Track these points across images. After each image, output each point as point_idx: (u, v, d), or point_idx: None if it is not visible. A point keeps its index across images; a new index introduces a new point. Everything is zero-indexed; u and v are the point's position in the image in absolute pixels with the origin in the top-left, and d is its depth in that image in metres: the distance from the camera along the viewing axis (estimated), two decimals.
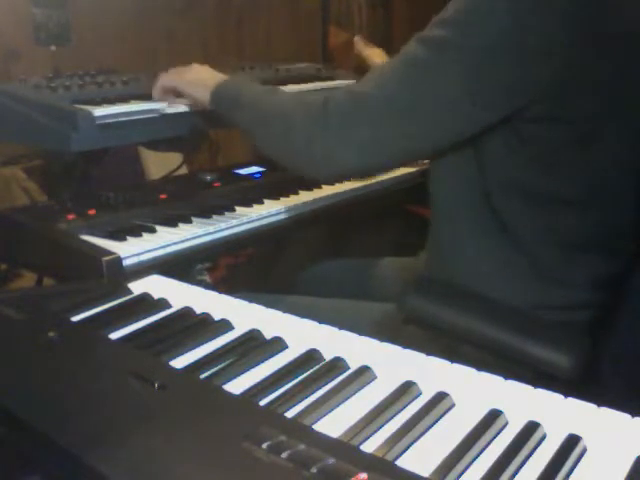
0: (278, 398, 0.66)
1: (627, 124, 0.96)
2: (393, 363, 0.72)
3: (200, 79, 1.22)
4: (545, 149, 0.94)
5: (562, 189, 0.96)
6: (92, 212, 1.18)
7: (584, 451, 0.59)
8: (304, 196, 1.37)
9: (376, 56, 1.56)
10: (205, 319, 0.84)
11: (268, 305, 0.85)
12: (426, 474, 0.55)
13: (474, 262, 1.02)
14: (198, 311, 0.86)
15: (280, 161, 1.08)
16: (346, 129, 0.94)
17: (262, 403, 0.65)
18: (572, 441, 0.59)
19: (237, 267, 1.98)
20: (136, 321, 0.84)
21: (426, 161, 1.71)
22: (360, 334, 0.77)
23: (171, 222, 1.19)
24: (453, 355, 0.73)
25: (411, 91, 0.92)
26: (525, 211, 0.97)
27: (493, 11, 0.88)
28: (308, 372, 0.71)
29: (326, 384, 0.69)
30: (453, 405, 0.66)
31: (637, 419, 0.61)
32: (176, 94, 1.28)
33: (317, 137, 0.96)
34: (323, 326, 0.80)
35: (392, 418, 0.63)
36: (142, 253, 1.07)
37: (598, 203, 0.98)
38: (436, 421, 0.63)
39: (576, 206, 0.97)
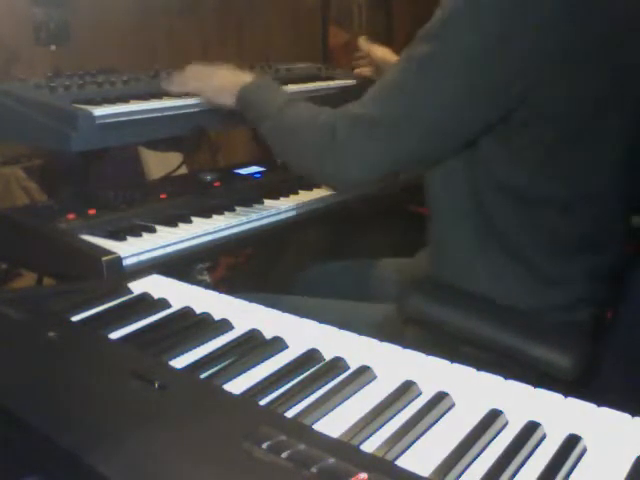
0: (278, 398, 0.66)
1: (612, 123, 0.97)
2: (393, 363, 0.71)
3: (224, 86, 1.25)
4: (532, 151, 0.95)
5: (549, 190, 0.97)
6: (92, 212, 1.18)
7: (584, 451, 0.59)
8: (304, 196, 1.37)
9: (384, 54, 1.56)
10: (205, 319, 0.84)
11: (268, 305, 0.85)
12: (426, 474, 0.55)
13: (472, 264, 1.02)
14: (198, 311, 0.86)
15: (297, 171, 1.16)
16: (354, 152, 0.99)
17: (262, 403, 0.65)
18: (572, 441, 0.59)
19: (237, 267, 1.97)
20: (136, 321, 0.84)
21: None
22: (360, 335, 0.77)
23: (171, 222, 1.19)
24: (453, 357, 0.73)
25: (408, 106, 0.95)
26: (514, 213, 0.98)
27: (477, 15, 0.90)
28: (308, 372, 0.71)
29: (326, 384, 0.69)
30: (453, 405, 0.66)
31: (637, 419, 0.61)
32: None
33: (327, 160, 1.01)
34: (323, 326, 0.80)
35: (392, 418, 0.63)
36: (142, 253, 1.07)
37: (584, 203, 0.99)
38: (436, 421, 0.63)
39: (562, 207, 0.98)
